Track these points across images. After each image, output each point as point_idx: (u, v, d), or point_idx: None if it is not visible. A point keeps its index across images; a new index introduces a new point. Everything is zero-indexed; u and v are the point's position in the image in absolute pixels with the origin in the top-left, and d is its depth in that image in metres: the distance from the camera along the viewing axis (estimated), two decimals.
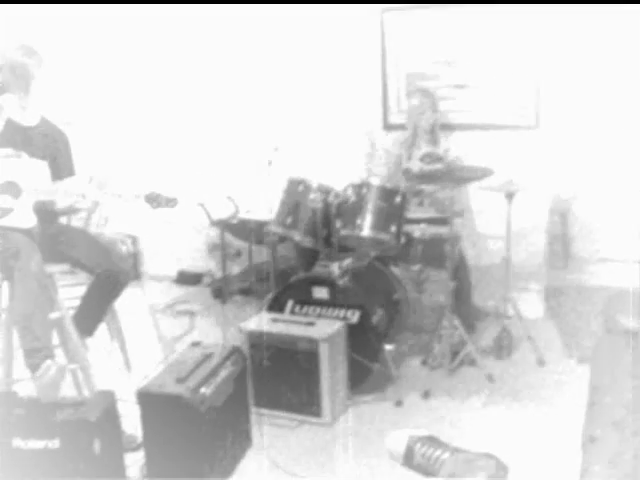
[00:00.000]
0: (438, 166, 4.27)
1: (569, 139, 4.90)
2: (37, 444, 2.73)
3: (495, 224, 4.38)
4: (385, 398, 3.73)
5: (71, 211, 3.61)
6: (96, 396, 3.08)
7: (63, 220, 3.77)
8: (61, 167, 3.58)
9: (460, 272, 4.30)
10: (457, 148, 4.55)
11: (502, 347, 4.18)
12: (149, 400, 2.94)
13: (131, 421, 3.22)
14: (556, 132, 4.65)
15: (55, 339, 3.50)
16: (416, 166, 4.40)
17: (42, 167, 3.39)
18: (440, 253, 4.00)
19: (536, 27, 4.54)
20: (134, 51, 5.60)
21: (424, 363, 4.08)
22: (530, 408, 3.58)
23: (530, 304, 4.66)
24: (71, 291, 3.75)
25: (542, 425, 3.40)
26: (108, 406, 2.89)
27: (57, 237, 3.54)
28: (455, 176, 3.91)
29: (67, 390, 3.41)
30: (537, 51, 4.57)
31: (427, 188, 4.42)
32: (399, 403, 3.67)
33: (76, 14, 5.54)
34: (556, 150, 4.66)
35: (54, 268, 3.44)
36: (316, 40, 5.06)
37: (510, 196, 4.03)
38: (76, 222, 4.02)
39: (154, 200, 3.34)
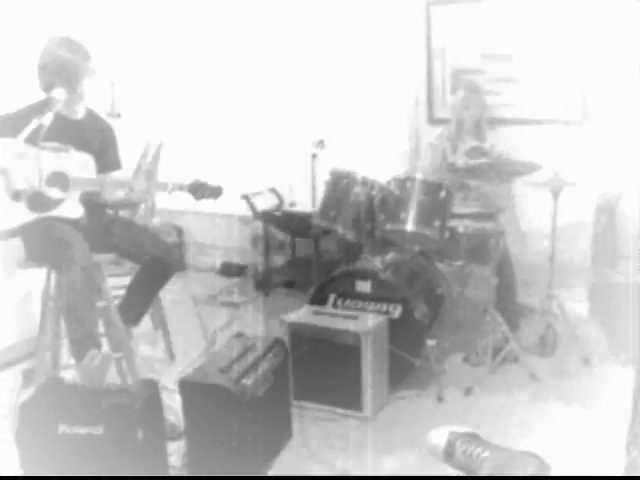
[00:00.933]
0: (483, 160, 4.22)
1: (617, 135, 4.80)
2: (82, 430, 2.77)
3: (541, 220, 4.32)
4: (426, 394, 3.72)
5: (125, 204, 3.65)
6: (140, 384, 3.12)
7: (110, 211, 3.82)
8: (107, 159, 3.62)
9: (504, 268, 4.26)
10: (503, 143, 4.50)
11: (546, 345, 4.13)
12: (191, 390, 2.97)
13: (173, 410, 3.27)
14: (604, 127, 4.57)
15: (101, 327, 3.55)
16: (461, 160, 4.36)
17: (88, 160, 3.44)
18: (484, 248, 3.97)
19: (584, 20, 4.47)
20: (180, 41, 5.65)
21: (466, 359, 4.06)
22: (573, 407, 3.53)
23: (575, 302, 4.59)
24: (117, 281, 3.80)
25: (586, 424, 3.35)
26: (151, 394, 2.93)
27: (104, 227, 3.59)
28: (501, 171, 3.88)
29: (111, 378, 3.47)
30: (586, 45, 4.49)
31: (472, 183, 4.38)
32: (440, 399, 3.65)
33: (122, 3, 5.62)
34: (604, 146, 4.58)
35: (101, 258, 3.49)
36: (361, 32, 5.05)
37: (556, 192, 3.98)
38: (123, 213, 4.07)
39: (197, 190, 3.36)
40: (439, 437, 3.09)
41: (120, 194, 3.47)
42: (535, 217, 4.59)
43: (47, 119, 3.16)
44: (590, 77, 4.54)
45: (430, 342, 3.78)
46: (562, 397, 3.64)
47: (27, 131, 3.05)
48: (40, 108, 3.28)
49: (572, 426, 3.35)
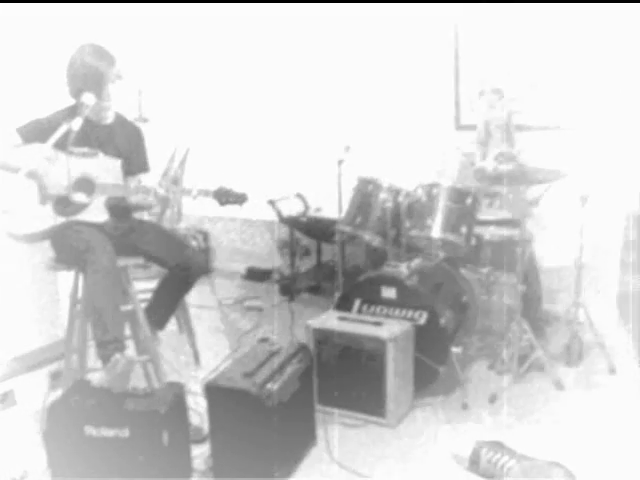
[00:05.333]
0: (511, 166, 4.20)
1: None
2: (108, 432, 2.80)
3: (568, 227, 4.29)
4: (451, 401, 3.70)
5: (142, 208, 3.67)
6: (165, 388, 3.14)
7: (137, 215, 3.85)
8: (135, 162, 3.65)
9: (530, 276, 4.23)
10: (532, 149, 4.47)
11: (572, 353, 4.09)
12: (216, 394, 2.98)
13: (198, 414, 3.28)
14: (634, 134, 4.52)
15: (127, 331, 3.58)
16: (490, 165, 4.34)
17: (115, 165, 3.46)
18: (510, 256, 3.95)
19: (608, 25, 4.43)
20: (208, 48, 5.69)
21: (491, 367, 4.04)
22: (600, 417, 3.50)
23: (602, 310, 4.55)
24: (144, 284, 3.83)
25: (612, 434, 3.32)
26: (177, 398, 2.95)
27: (131, 232, 3.61)
28: (529, 177, 3.85)
29: (137, 381, 3.49)
30: (609, 52, 4.46)
31: (498, 189, 4.36)
32: (465, 406, 3.63)
33: (152, 12, 5.67)
34: (634, 152, 4.54)
35: (128, 262, 3.51)
36: (388, 40, 5.06)
37: (584, 199, 3.94)
38: (149, 217, 4.11)
39: (223, 196, 3.36)
40: (464, 445, 3.08)
41: (141, 197, 3.48)
42: (562, 224, 4.55)
43: (76, 124, 3.20)
44: (618, 84, 4.50)
45: (455, 349, 3.76)
46: (588, 406, 3.61)
47: (56, 136, 3.09)
48: (69, 113, 3.33)
49: (598, 436, 3.32)
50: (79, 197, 3.39)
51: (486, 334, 4.28)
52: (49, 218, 3.37)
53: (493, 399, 3.68)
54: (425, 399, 3.71)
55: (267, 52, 5.50)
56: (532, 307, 4.23)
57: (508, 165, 4.17)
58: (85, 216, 3.39)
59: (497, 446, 3.03)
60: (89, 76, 3.38)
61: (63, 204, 3.38)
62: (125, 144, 3.60)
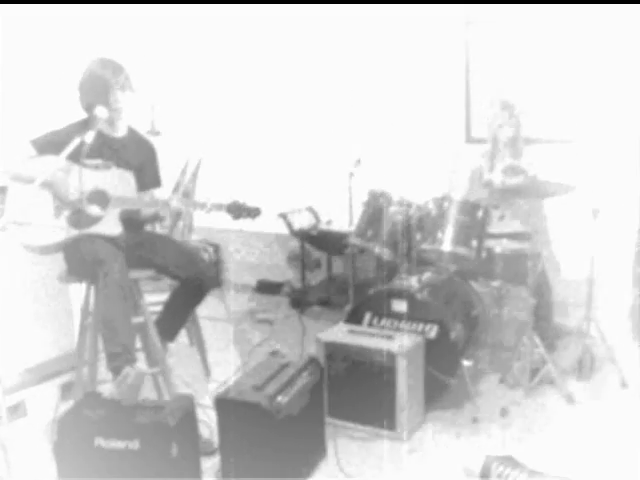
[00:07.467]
0: (520, 179, 4.20)
1: None
2: (118, 444, 2.80)
3: (580, 240, 4.28)
4: (462, 414, 3.69)
5: (154, 219, 3.69)
6: (175, 400, 3.15)
7: (149, 228, 3.87)
8: (147, 177, 3.66)
9: (542, 289, 4.22)
10: (541, 162, 4.46)
11: (583, 367, 4.07)
12: (226, 406, 2.98)
13: (208, 426, 3.29)
14: None
15: (138, 343, 3.59)
16: (498, 178, 4.34)
17: (129, 178, 3.48)
18: (521, 269, 3.94)
19: (622, 37, 4.43)
20: (219, 61, 5.73)
21: (502, 381, 4.02)
22: (611, 432, 3.47)
23: (614, 324, 4.52)
24: (155, 297, 3.84)
25: (623, 450, 3.29)
26: (187, 410, 2.95)
27: (143, 244, 3.63)
28: (539, 190, 3.85)
29: (148, 393, 3.50)
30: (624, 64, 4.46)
31: (508, 202, 4.35)
32: (475, 420, 3.62)
33: (165, 28, 5.72)
34: None
35: (139, 274, 3.52)
36: (399, 52, 5.07)
37: (596, 212, 3.94)
38: (161, 230, 4.12)
39: (237, 210, 3.38)
40: (475, 459, 3.06)
41: (154, 210, 3.52)
42: (574, 237, 4.54)
43: (89, 137, 3.21)
44: (628, 96, 4.49)
45: (466, 363, 3.75)
46: (599, 421, 3.59)
47: (70, 149, 3.11)
48: (83, 126, 3.34)
49: (609, 451, 3.29)
50: (93, 210, 3.41)
51: (497, 348, 4.26)
52: (63, 230, 3.39)
53: (504, 413, 3.67)
54: (436, 412, 3.69)
55: (279, 65, 5.53)
56: (543, 321, 4.21)
57: (516, 178, 4.18)
58: (99, 229, 3.41)
59: (508, 460, 3.01)
60: (96, 85, 3.44)
61: (77, 216, 3.40)
62: (137, 158, 3.62)
